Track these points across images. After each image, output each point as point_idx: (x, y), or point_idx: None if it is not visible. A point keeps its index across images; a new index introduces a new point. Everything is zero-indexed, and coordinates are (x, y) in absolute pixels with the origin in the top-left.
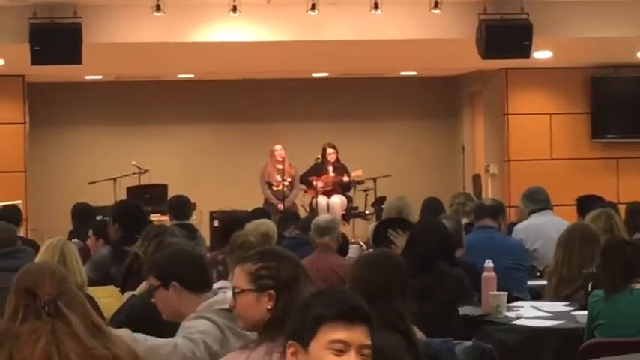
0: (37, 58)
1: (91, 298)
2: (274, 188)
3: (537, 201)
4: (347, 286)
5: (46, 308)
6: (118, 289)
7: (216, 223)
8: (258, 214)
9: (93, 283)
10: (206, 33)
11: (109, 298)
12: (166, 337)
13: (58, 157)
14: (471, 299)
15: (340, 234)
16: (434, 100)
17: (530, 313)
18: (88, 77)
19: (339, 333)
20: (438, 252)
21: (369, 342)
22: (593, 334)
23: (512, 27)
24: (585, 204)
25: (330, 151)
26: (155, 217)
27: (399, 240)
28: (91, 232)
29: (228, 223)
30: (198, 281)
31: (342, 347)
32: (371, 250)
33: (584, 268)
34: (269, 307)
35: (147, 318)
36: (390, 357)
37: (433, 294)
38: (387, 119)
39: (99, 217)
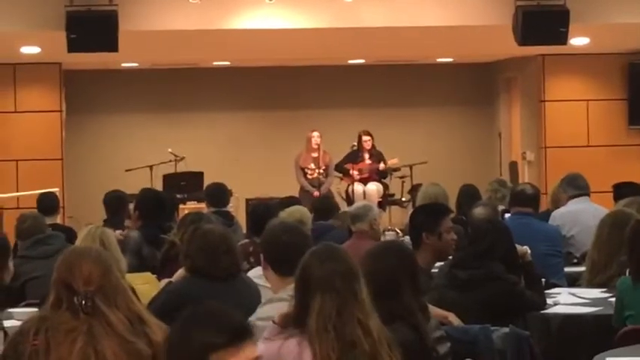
0: (73, 46)
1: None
2: (309, 176)
3: (579, 186)
4: None
5: (83, 305)
6: (155, 275)
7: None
8: (290, 202)
9: (134, 269)
10: (242, 20)
11: (145, 285)
12: None
13: (94, 145)
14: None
15: (374, 219)
16: (470, 86)
17: (568, 300)
18: (124, 65)
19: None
20: (493, 253)
21: (258, 353)
22: (622, 320)
23: (548, 13)
24: (622, 190)
25: (365, 138)
26: (191, 205)
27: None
28: (127, 222)
29: (261, 212)
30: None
31: None
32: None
33: (614, 254)
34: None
35: (183, 305)
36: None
37: (475, 289)
38: (423, 106)
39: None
